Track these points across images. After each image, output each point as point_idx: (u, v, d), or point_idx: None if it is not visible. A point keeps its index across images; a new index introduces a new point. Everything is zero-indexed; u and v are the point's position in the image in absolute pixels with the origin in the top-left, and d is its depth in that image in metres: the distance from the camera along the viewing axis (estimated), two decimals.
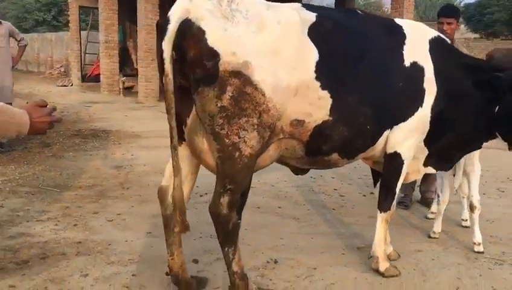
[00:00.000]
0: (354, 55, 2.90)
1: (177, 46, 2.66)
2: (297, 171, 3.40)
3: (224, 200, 2.79)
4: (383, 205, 3.38)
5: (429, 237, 4.25)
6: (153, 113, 11.83)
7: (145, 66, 14.11)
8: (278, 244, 3.97)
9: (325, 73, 2.75)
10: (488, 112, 3.21)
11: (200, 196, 5.21)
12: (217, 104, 2.62)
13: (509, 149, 3.31)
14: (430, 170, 3.52)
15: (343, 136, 2.95)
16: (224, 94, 2.59)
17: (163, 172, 5.92)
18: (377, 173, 3.65)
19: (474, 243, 3.97)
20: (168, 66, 2.64)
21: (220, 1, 2.62)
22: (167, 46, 2.64)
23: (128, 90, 16.62)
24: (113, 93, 16.40)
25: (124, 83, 16.43)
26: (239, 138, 2.66)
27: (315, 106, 2.78)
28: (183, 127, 2.92)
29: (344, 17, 3.06)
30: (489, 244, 4.07)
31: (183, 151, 2.99)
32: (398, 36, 3.13)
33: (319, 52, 2.75)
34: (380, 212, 3.39)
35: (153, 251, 3.73)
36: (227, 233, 2.87)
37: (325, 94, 2.78)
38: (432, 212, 4.81)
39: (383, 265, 3.40)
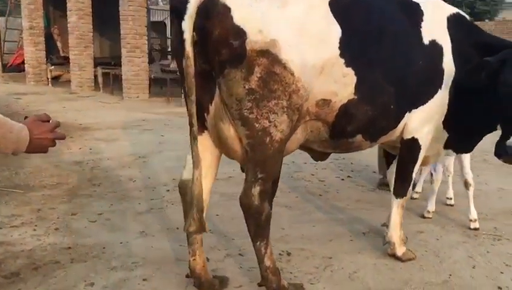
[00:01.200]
0: (376, 31, 2.78)
1: (198, 26, 2.42)
2: (318, 156, 3.26)
3: (256, 190, 2.61)
4: (399, 191, 3.32)
5: (423, 217, 4.28)
6: (92, 104, 11.15)
7: (78, 53, 13.28)
8: (283, 235, 3.82)
9: (348, 49, 2.63)
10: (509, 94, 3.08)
11: None
12: (244, 87, 2.43)
13: None
14: (450, 152, 3.50)
15: (368, 115, 2.84)
16: (252, 75, 2.41)
17: (131, 165, 5.64)
18: (391, 156, 3.59)
19: (471, 220, 4.05)
20: (189, 48, 2.42)
21: None
22: (188, 26, 2.41)
23: (56, 80, 15.63)
24: (40, 83, 15.32)
25: (51, 72, 15.39)
26: (269, 122, 2.49)
27: (340, 83, 2.65)
28: (205, 114, 2.68)
29: None
30: (479, 220, 4.15)
31: (204, 141, 2.76)
32: (416, 13, 3.04)
33: (342, 28, 2.62)
34: (396, 198, 3.33)
35: (155, 252, 3.45)
36: (259, 226, 2.69)
37: (350, 71, 2.66)
38: (417, 192, 4.88)
39: (400, 250, 3.36)
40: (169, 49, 21.82)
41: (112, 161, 5.88)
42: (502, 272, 3.26)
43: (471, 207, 4.06)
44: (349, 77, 2.68)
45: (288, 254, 3.47)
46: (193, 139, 2.56)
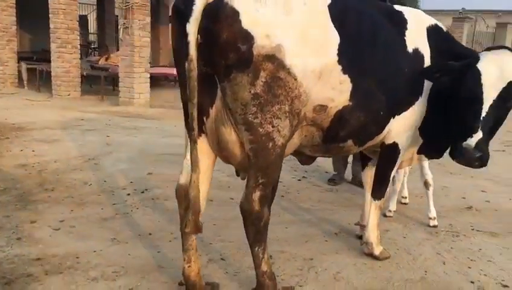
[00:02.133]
0: (369, 39, 2.86)
1: (204, 29, 2.38)
2: (305, 160, 3.30)
3: (256, 195, 2.61)
4: (377, 193, 3.44)
5: (385, 215, 4.46)
6: (19, 101, 10.45)
7: (1, 47, 12.37)
8: None
9: (345, 56, 2.68)
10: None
11: (141, 192, 4.77)
12: (250, 91, 2.42)
13: None
14: (423, 157, 3.66)
15: (360, 121, 2.92)
16: (257, 80, 2.41)
17: (82, 168, 5.47)
18: (366, 159, 3.71)
19: (430, 218, 4.29)
20: (193, 51, 2.37)
21: None
22: (192, 28, 2.37)
23: None
24: None
25: None
26: (272, 127, 2.50)
27: (337, 90, 2.70)
28: (204, 118, 2.63)
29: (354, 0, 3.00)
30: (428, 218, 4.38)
31: (200, 145, 2.69)
32: (401, 22, 3.16)
33: (340, 35, 2.67)
34: (374, 200, 3.45)
35: (134, 260, 3.32)
36: (258, 231, 2.69)
37: (346, 78, 2.72)
38: None
39: (378, 249, 3.49)
40: (93, 45, 21.13)
41: (60, 164, 5.56)
42: (469, 267, 3.48)
43: (431, 206, 4.29)
44: (346, 84, 2.73)
45: (270, 257, 3.47)
46: (193, 143, 2.50)
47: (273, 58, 2.40)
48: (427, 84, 3.17)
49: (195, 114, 2.46)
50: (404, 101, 3.12)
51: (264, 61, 2.39)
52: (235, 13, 2.34)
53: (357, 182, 5.54)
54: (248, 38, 2.36)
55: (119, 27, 10.00)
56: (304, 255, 3.52)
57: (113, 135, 7.25)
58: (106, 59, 14.37)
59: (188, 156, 2.70)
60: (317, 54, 2.55)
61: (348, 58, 2.69)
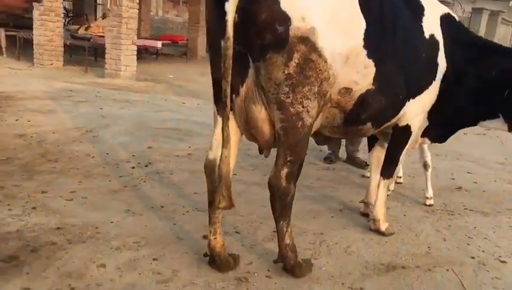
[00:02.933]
0: (391, 23, 2.96)
1: (242, 9, 2.45)
2: (322, 141, 3.42)
3: (284, 172, 2.73)
4: (386, 172, 3.60)
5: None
6: (0, 70, 10.19)
7: None
8: (268, 212, 3.89)
9: (370, 41, 2.78)
10: (495, 93, 3.35)
11: (145, 166, 4.82)
12: (284, 72, 2.52)
13: (509, 130, 3.47)
14: (426, 141, 3.83)
15: (381, 105, 3.05)
16: (291, 61, 2.51)
17: (82, 140, 5.52)
18: (373, 140, 3.86)
19: (427, 197, 4.51)
20: (230, 30, 2.45)
21: None
22: (231, 7, 2.45)
23: None
24: None
25: None
26: (302, 107, 2.60)
27: (361, 74, 2.82)
28: (234, 96, 2.71)
29: None
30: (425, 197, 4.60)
31: (230, 121, 2.77)
32: (418, 8, 3.28)
33: (366, 19, 2.77)
34: (383, 179, 3.62)
35: (152, 231, 3.41)
36: (285, 206, 2.81)
37: (370, 62, 2.83)
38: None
39: (384, 225, 3.67)
40: (71, 14, 20.55)
41: (59, 135, 5.53)
42: (468, 244, 3.71)
43: (429, 186, 4.50)
44: (370, 68, 2.84)
45: None
46: (226, 119, 2.59)
47: (307, 41, 2.49)
48: (441, 69, 3.32)
49: (228, 91, 2.55)
50: (420, 85, 3.26)
51: (299, 43, 2.48)
52: None
53: (352, 160, 5.72)
54: (285, 19, 2.44)
55: None
56: (314, 230, 3.67)
57: (106, 107, 7.21)
58: (86, 29, 14.06)
59: (217, 133, 2.79)
60: (346, 37, 2.65)
61: (373, 43, 2.80)
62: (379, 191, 3.64)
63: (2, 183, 4.00)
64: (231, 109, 2.76)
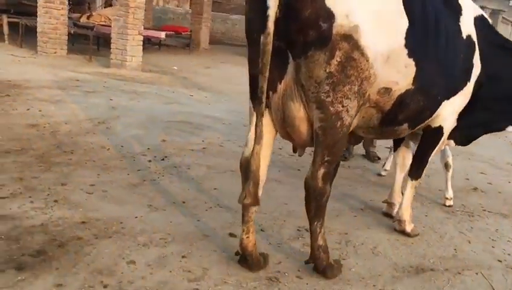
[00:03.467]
0: (432, 24, 2.91)
1: (285, 4, 2.39)
2: (354, 141, 3.38)
3: (321, 172, 2.68)
4: (415, 173, 3.57)
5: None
6: (4, 57, 9.97)
7: None
8: (290, 210, 3.91)
9: (411, 41, 2.74)
10: None
11: (161, 159, 4.76)
12: (325, 70, 2.47)
13: None
14: (451, 142, 3.79)
15: (419, 105, 3.00)
16: (332, 59, 2.46)
17: (95, 132, 5.42)
18: (399, 140, 3.81)
19: (447, 198, 4.48)
20: (271, 25, 2.40)
21: None
22: (273, 2, 2.38)
23: None
24: None
25: None
26: (342, 106, 2.55)
27: (401, 73, 2.76)
28: (271, 93, 2.65)
29: None
30: (443, 198, 4.56)
31: (264, 119, 2.72)
32: (456, 8, 3.22)
33: (409, 18, 2.72)
34: (411, 180, 3.58)
35: (177, 227, 3.35)
36: (320, 206, 2.78)
37: (411, 62, 2.77)
38: (385, 170, 5.23)
39: (409, 227, 3.64)
40: (71, 2, 20.30)
41: (72, 126, 5.44)
42: (493, 247, 3.70)
43: (449, 187, 4.47)
44: (410, 68, 2.79)
45: (307, 230, 3.57)
46: (260, 116, 2.54)
47: (350, 38, 2.43)
48: (475, 71, 3.27)
49: (265, 88, 2.50)
50: (456, 86, 3.22)
51: (341, 40, 2.42)
52: None
53: (369, 156, 5.69)
54: (329, 16, 2.39)
55: None
56: (338, 229, 3.63)
57: (115, 98, 7.12)
58: (88, 17, 13.89)
59: (253, 129, 2.74)
60: (388, 36, 2.60)
61: (414, 42, 2.75)
62: (406, 192, 3.61)
63: (21, 174, 3.93)
64: (267, 106, 2.71)
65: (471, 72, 3.27)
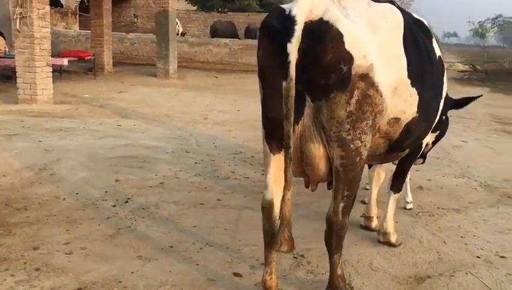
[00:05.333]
0: (419, 50, 3.08)
1: (305, 50, 2.44)
2: None
3: (341, 207, 2.75)
4: (397, 187, 3.79)
5: (364, 202, 4.78)
6: None
7: None
8: None
9: (411, 70, 2.89)
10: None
11: (125, 202, 4.53)
12: (346, 110, 2.54)
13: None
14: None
15: (421, 130, 3.19)
16: (351, 98, 2.54)
17: (41, 181, 5.16)
18: None
19: (407, 202, 4.77)
20: (293, 71, 2.42)
21: None
22: (294, 48, 2.41)
23: None
24: None
25: None
26: (361, 142, 2.64)
27: (408, 102, 2.92)
28: None
29: (402, 12, 3.18)
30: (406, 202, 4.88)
31: (279, 160, 2.74)
32: (428, 31, 3.44)
33: (406, 51, 2.88)
34: (394, 193, 3.79)
35: (179, 276, 3.24)
36: (340, 240, 2.85)
37: (414, 91, 2.93)
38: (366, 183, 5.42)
39: (394, 237, 3.84)
40: None
41: (12, 178, 4.98)
42: (465, 244, 4.01)
43: (408, 191, 4.77)
44: (414, 96, 2.93)
45: (302, 256, 3.63)
46: (289, 160, 2.54)
47: (366, 77, 2.53)
48: (445, 87, 3.54)
49: (291, 132, 2.51)
50: (440, 105, 3.45)
51: (359, 80, 2.51)
52: (340, 35, 2.42)
53: None
54: (350, 59, 2.46)
55: (13, 16, 8.96)
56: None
57: (44, 139, 6.62)
58: None
59: (270, 171, 2.74)
60: (396, 69, 2.73)
61: (413, 71, 2.90)
62: (389, 205, 3.80)
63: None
64: (282, 147, 2.71)
65: (443, 90, 3.52)
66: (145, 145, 6.65)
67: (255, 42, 17.53)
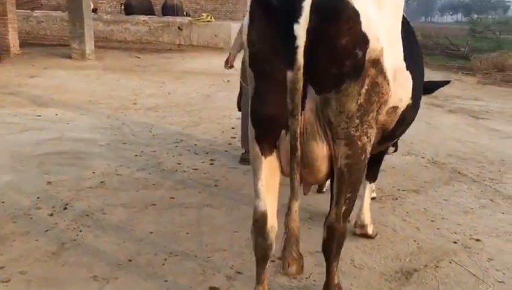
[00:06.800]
0: (406, 25, 2.76)
1: (315, 32, 2.03)
2: None
3: (343, 211, 2.43)
4: (373, 176, 3.57)
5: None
6: None
7: None
8: (245, 238, 3.56)
9: (405, 52, 2.58)
10: None
11: (64, 209, 3.94)
12: (357, 102, 2.19)
13: None
14: None
15: (412, 118, 2.89)
16: (362, 88, 2.18)
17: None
18: None
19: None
20: (301, 58, 2.02)
21: None
22: (302, 30, 2.00)
23: None
24: None
25: None
26: (367, 137, 2.32)
27: (403, 89, 2.58)
28: (283, 132, 2.28)
29: None
30: None
31: (272, 161, 2.36)
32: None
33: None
34: (370, 183, 3.58)
35: None
36: (341, 246, 2.59)
37: (408, 75, 2.60)
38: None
39: (370, 229, 3.63)
40: None
41: None
42: (438, 229, 3.90)
43: None
44: (408, 82, 2.61)
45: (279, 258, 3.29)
46: (296, 165, 2.16)
47: (378, 63, 2.18)
48: None
49: (298, 132, 2.14)
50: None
51: (371, 66, 2.16)
52: (357, 14, 2.04)
53: None
54: (365, 42, 2.10)
55: None
56: (307, 249, 3.41)
57: None
58: None
59: (262, 177, 2.36)
60: (397, 53, 2.41)
61: (406, 54, 2.58)
62: (365, 195, 3.58)
63: None
64: (275, 148, 2.34)
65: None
66: (74, 138, 5.94)
67: (176, 19, 16.77)
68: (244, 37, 2.24)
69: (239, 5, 21.08)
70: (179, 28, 16.70)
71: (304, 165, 2.35)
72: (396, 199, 4.53)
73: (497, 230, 3.89)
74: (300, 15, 1.97)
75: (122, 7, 19.62)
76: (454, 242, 3.65)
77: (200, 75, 11.17)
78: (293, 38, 1.98)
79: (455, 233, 3.80)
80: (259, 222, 2.41)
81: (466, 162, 5.82)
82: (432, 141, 6.82)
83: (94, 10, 19.93)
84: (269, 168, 2.35)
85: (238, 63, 5.38)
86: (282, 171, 2.43)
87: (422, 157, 5.96)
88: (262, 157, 2.33)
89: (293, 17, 1.97)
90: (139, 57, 13.79)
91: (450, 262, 3.34)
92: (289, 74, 2.03)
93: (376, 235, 3.66)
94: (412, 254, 3.44)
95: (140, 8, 20.02)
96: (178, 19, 17.22)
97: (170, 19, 17.30)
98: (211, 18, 16.90)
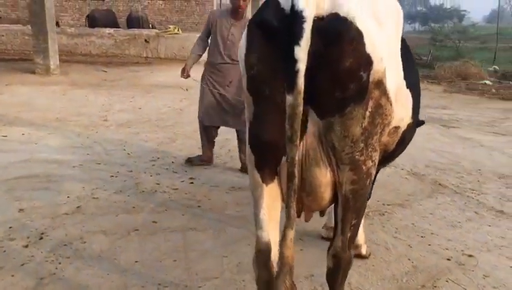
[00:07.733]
0: (403, 42, 2.69)
1: (316, 55, 1.93)
2: None
3: (346, 238, 2.33)
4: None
5: None
6: None
7: None
8: (236, 263, 3.44)
9: (404, 70, 2.48)
10: None
11: (40, 239, 3.70)
12: (361, 126, 2.09)
13: None
14: None
15: (411, 137, 2.81)
16: (366, 111, 2.09)
17: None
18: None
19: None
20: (301, 82, 1.91)
21: None
22: (303, 53, 1.88)
23: None
24: None
25: None
26: (372, 161, 2.22)
27: (404, 108, 2.50)
28: (284, 158, 2.16)
29: None
30: None
31: (272, 189, 2.24)
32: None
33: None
34: None
35: None
36: (346, 274, 2.49)
37: (408, 93, 2.53)
38: None
39: (364, 248, 3.55)
40: None
41: None
42: (429, 245, 3.85)
43: None
44: (409, 101, 2.53)
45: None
46: (293, 193, 2.04)
47: (381, 84, 2.09)
48: None
49: (296, 159, 2.01)
50: None
51: (375, 88, 2.07)
52: (360, 35, 1.95)
53: (244, 169, 5.44)
54: (369, 63, 2.00)
55: None
56: (302, 273, 3.31)
57: None
58: None
59: (264, 206, 2.23)
60: (398, 72, 2.32)
61: (405, 70, 2.50)
62: None
63: None
64: (276, 174, 2.21)
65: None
66: (45, 160, 5.66)
67: (143, 32, 16.45)
68: (242, 64, 2.12)
69: (205, 16, 20.94)
70: (145, 40, 16.41)
71: (306, 192, 2.23)
72: (383, 214, 4.47)
73: (487, 244, 3.87)
74: (301, 37, 1.86)
75: (86, 20, 19.19)
76: (448, 259, 3.60)
77: (170, 88, 10.95)
78: (294, 61, 1.86)
79: (447, 249, 3.76)
80: (262, 253, 2.28)
81: (445, 172, 5.83)
82: (408, 151, 6.80)
83: (56, 23, 19.49)
84: (271, 196, 2.24)
85: (193, 73, 5.52)
86: (283, 199, 2.31)
87: (402, 169, 5.94)
88: (264, 185, 2.20)
89: (292, 39, 1.86)
90: (105, 71, 13.45)
91: (447, 281, 3.28)
92: (289, 98, 1.91)
93: (369, 255, 3.58)
94: (407, 273, 3.37)
95: (104, 20, 19.63)
96: (145, 32, 16.94)
97: (136, 31, 17.01)
98: (178, 30, 16.70)
